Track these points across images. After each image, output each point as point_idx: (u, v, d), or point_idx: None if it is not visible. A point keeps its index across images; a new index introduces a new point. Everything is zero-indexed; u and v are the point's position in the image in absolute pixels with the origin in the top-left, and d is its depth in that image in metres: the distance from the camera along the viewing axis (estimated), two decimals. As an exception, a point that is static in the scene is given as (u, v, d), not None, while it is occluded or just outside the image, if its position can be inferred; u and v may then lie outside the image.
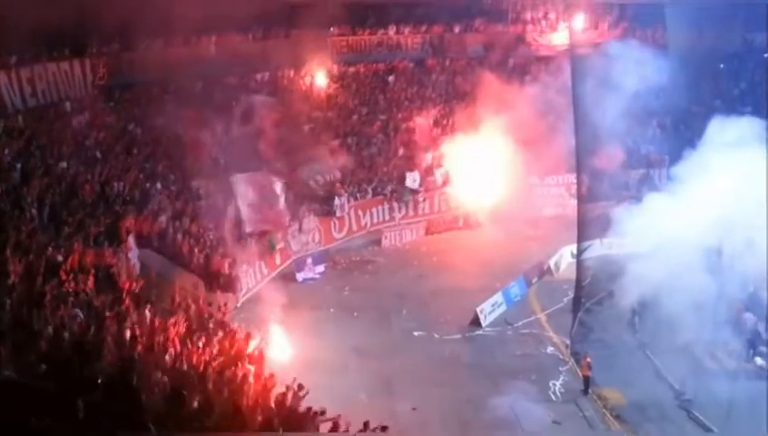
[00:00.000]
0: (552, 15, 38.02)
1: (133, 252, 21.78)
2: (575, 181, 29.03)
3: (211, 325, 19.60)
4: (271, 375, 16.82)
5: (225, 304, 21.70)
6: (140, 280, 20.36)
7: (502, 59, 37.04)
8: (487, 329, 25.19)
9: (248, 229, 26.03)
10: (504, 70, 35.96)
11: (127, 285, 19.57)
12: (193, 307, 20.55)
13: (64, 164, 24.19)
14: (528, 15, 38.14)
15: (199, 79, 30.02)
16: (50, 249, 19.22)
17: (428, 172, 32.85)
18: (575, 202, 28.43)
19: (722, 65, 36.35)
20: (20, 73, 26.02)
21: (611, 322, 25.78)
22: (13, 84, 25.62)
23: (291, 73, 34.87)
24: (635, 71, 29.51)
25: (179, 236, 23.88)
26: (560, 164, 31.82)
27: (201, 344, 17.16)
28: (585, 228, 27.06)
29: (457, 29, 37.71)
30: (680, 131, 32.97)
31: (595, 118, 27.07)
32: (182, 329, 17.97)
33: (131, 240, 21.91)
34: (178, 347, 16.27)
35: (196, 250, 23.87)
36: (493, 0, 38.62)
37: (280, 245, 27.80)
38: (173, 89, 29.50)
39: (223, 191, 26.12)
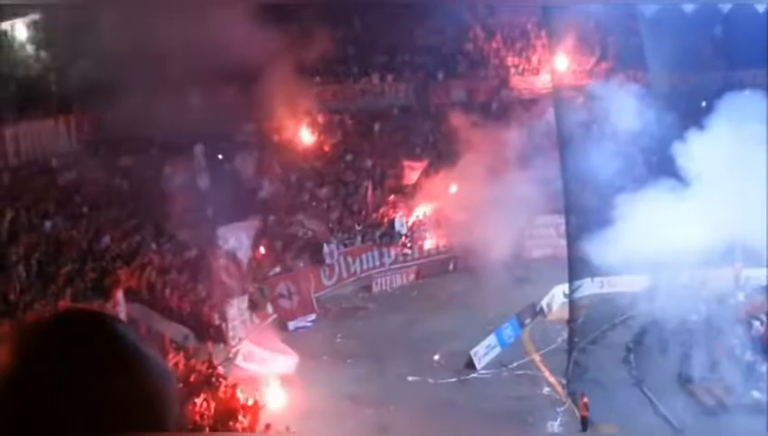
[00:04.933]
0: (534, 59, 38.40)
1: (122, 307, 21.56)
2: (563, 221, 29.03)
3: (203, 378, 19.38)
4: (267, 426, 16.57)
5: (213, 355, 21.47)
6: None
7: (486, 103, 37.29)
8: (482, 371, 24.97)
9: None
10: (488, 114, 36.19)
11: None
12: (183, 361, 20.37)
13: (49, 223, 24.06)
14: (511, 60, 38.48)
15: (185, 132, 30.01)
16: (37, 306, 19.02)
17: (417, 217, 32.86)
18: (564, 241, 28.43)
19: (704, 103, 36.66)
20: (3, 132, 25.95)
21: (606, 360, 25.71)
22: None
23: (277, 123, 34.94)
24: (619, 111, 29.83)
25: (167, 289, 23.70)
26: (548, 205, 31.84)
27: (195, 399, 16.93)
28: (576, 267, 27.09)
29: (440, 75, 37.97)
30: (666, 168, 33.11)
31: (581, 158, 27.29)
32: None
33: (119, 295, 21.70)
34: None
35: (185, 302, 23.67)
36: (475, 46, 39.08)
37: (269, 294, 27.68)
38: (160, 142, 29.50)
39: (211, 242, 25.97)
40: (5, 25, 28.19)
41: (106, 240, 24.45)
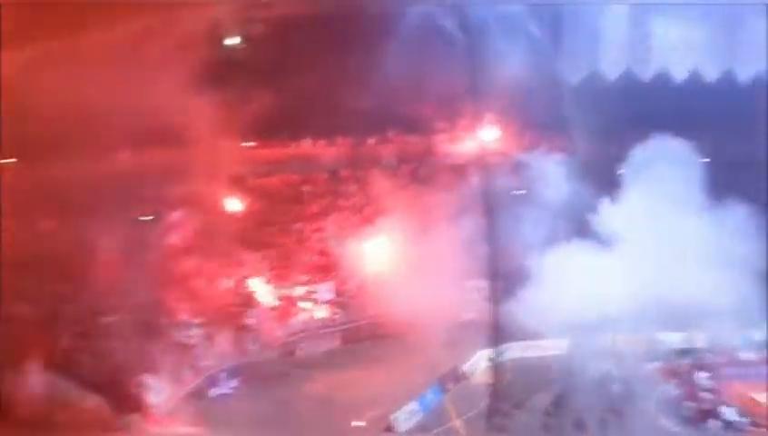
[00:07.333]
0: (462, 125, 39.11)
1: (35, 378, 21.16)
2: (487, 285, 29.44)
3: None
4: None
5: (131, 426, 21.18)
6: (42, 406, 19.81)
7: (414, 168, 37.89)
8: (404, 437, 25.02)
9: None
10: (416, 179, 36.78)
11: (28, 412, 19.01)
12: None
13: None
14: (439, 126, 39.18)
15: (113, 192, 29.81)
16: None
17: (344, 281, 33.03)
18: (488, 305, 28.80)
19: (622, 170, 37.67)
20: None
21: (528, 424, 25.91)
22: None
23: (207, 186, 34.88)
24: (542, 177, 30.57)
25: (83, 356, 23.38)
26: (473, 269, 32.24)
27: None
28: (499, 331, 27.46)
29: (370, 140, 38.52)
30: (586, 233, 33.87)
31: (506, 223, 27.86)
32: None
33: (32, 364, 21.31)
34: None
35: (101, 370, 23.35)
36: (405, 111, 39.73)
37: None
38: (84, 204, 29.25)
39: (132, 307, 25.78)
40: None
41: (23, 306, 24.04)
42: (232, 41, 38.08)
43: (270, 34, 38.28)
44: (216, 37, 37.60)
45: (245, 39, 38.17)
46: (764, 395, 26.04)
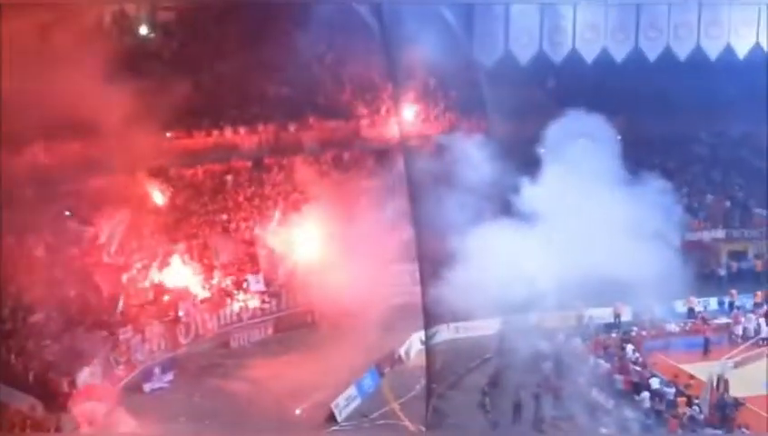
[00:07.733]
0: (383, 109, 39.30)
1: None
2: (417, 268, 29.63)
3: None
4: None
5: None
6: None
7: (337, 154, 37.89)
8: (344, 424, 25.09)
9: None
10: (340, 164, 36.78)
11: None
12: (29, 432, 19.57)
13: None
14: (361, 110, 39.26)
15: (30, 187, 28.85)
16: None
17: (273, 270, 32.81)
18: (419, 288, 29.01)
19: (542, 149, 38.44)
20: None
21: (464, 405, 26.35)
22: None
23: (128, 177, 34.09)
24: (465, 158, 30.90)
25: (12, 357, 22.67)
26: (402, 253, 32.46)
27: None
28: (431, 314, 27.74)
29: (292, 127, 38.27)
30: (512, 213, 34.43)
31: (431, 206, 28.09)
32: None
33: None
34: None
35: (31, 370, 22.68)
36: (326, 97, 39.64)
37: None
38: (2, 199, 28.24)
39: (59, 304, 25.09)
40: None
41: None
42: (148, 30, 37.37)
43: (186, 22, 37.73)
44: (132, 27, 36.86)
45: (161, 28, 37.51)
46: (689, 366, 27.27)
